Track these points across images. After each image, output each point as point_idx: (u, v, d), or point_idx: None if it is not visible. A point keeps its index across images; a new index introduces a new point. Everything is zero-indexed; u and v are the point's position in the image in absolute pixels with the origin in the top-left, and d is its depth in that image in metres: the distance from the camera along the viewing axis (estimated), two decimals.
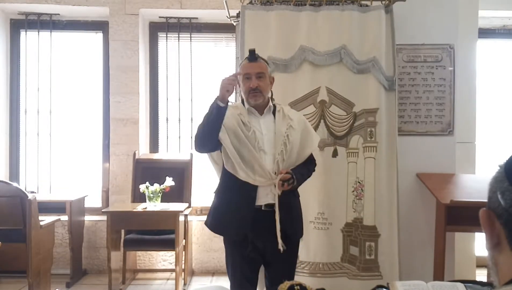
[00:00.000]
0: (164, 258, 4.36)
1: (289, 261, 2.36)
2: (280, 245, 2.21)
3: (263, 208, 2.24)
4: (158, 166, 4.17)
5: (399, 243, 3.03)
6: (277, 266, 2.31)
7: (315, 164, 2.45)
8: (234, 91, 2.30)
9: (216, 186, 2.41)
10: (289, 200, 2.30)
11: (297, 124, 2.34)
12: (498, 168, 0.77)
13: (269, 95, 2.38)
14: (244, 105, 2.35)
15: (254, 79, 2.26)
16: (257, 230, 2.24)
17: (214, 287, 1.50)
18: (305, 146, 2.35)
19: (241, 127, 2.26)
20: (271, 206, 2.24)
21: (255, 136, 2.26)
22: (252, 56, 2.30)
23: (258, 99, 2.28)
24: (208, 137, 2.23)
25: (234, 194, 2.27)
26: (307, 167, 2.37)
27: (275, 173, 2.23)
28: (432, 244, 3.07)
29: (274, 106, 2.38)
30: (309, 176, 2.42)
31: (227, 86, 2.15)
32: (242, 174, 2.23)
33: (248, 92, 2.28)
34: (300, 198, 3.01)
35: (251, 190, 2.23)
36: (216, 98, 2.18)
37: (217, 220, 2.34)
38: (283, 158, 2.25)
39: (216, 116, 2.17)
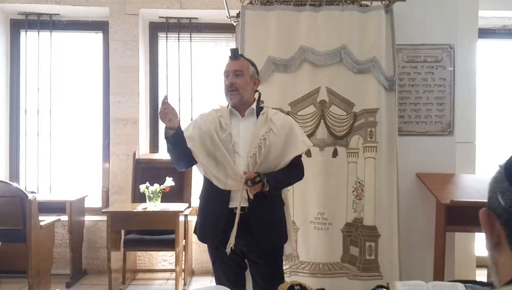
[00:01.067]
0: (164, 258, 4.36)
1: (272, 263, 2.29)
2: (228, 247, 2.15)
3: (234, 211, 2.17)
4: (158, 166, 4.16)
5: (399, 243, 3.03)
6: (260, 267, 2.27)
7: (299, 171, 2.33)
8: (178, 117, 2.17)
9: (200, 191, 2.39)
10: (264, 206, 2.20)
11: (280, 128, 2.24)
12: (498, 168, 0.77)
13: (253, 96, 2.31)
14: (228, 106, 2.30)
15: (231, 76, 2.22)
16: (229, 232, 2.18)
17: (214, 287, 1.48)
18: (287, 151, 2.24)
19: (217, 131, 2.22)
20: (243, 208, 2.17)
21: (230, 138, 2.20)
22: (233, 54, 2.27)
23: (234, 97, 2.22)
24: (178, 161, 2.24)
25: (211, 198, 2.24)
26: (287, 171, 2.26)
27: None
28: (432, 244, 3.07)
29: (261, 108, 2.30)
30: (289, 182, 2.34)
31: (163, 117, 2.08)
32: (214, 180, 2.20)
33: (226, 90, 2.24)
34: (300, 198, 3.02)
35: (224, 194, 2.19)
36: (165, 128, 2.12)
37: (198, 226, 2.32)
38: (255, 161, 2.17)
39: (173, 144, 2.14)
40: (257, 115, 2.28)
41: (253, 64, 2.33)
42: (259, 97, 2.35)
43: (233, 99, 2.23)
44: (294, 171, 2.30)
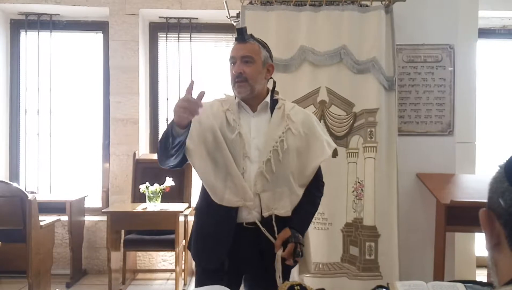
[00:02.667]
0: (164, 258, 4.37)
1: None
2: (278, 279, 1.75)
3: (244, 225, 1.80)
4: (158, 166, 4.10)
5: (399, 243, 3.02)
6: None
7: (323, 185, 1.98)
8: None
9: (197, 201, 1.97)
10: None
11: (300, 127, 1.86)
12: (498, 168, 0.77)
13: (266, 86, 1.92)
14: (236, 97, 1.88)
15: (239, 63, 1.80)
16: (235, 252, 1.80)
17: (214, 287, 1.45)
18: (311, 157, 1.87)
19: (223, 129, 1.81)
20: (252, 223, 1.80)
21: (240, 140, 1.80)
22: (240, 35, 1.82)
23: (243, 90, 1.80)
24: (166, 159, 1.78)
25: (211, 212, 1.84)
26: (311, 197, 1.90)
27: (257, 194, 1.79)
28: (432, 244, 3.07)
29: (276, 101, 1.91)
30: (314, 214, 1.96)
31: (180, 112, 1.61)
32: (209, 190, 1.81)
33: (233, 80, 1.82)
34: None
35: (230, 207, 1.79)
36: (172, 121, 1.66)
37: (193, 243, 1.94)
38: (271, 169, 1.79)
39: (173, 142, 1.67)
40: (272, 109, 1.89)
41: (265, 46, 1.90)
42: (274, 86, 1.96)
43: (241, 92, 1.81)
44: (317, 190, 1.95)
